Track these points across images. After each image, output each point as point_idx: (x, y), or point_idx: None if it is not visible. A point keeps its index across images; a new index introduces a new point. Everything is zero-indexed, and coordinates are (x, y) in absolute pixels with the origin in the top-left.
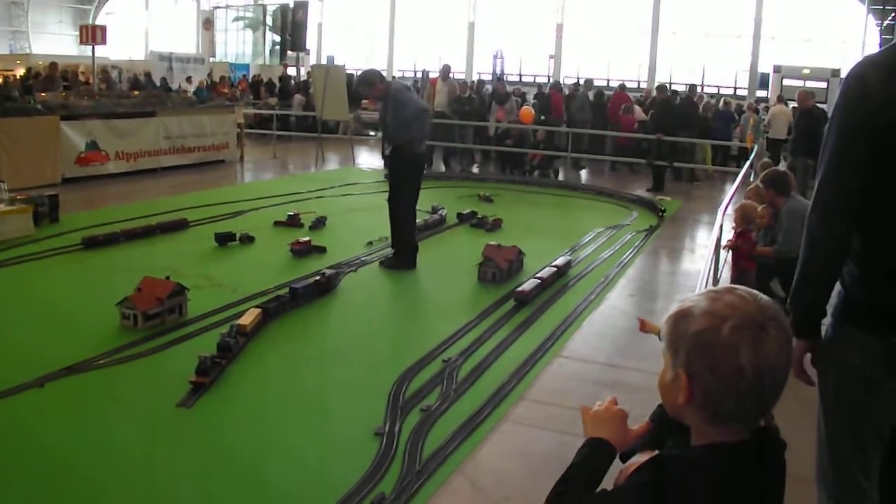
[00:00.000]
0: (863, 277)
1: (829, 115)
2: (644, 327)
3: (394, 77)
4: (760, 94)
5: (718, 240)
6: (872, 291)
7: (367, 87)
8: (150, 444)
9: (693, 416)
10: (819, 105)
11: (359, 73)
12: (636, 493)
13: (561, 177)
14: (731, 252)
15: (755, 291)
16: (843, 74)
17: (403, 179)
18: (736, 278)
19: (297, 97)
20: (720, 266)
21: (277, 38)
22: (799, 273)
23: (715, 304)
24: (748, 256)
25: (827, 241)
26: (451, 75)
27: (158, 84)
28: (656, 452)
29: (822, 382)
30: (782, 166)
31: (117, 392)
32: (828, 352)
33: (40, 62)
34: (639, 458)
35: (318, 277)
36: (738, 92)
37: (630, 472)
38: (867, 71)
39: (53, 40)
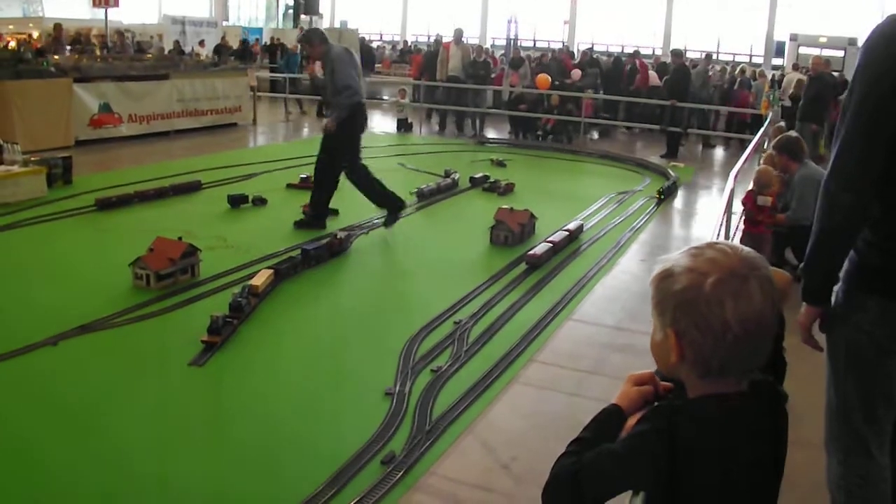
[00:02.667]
0: (882, 243)
1: (852, 78)
2: None
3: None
4: (776, 62)
5: (729, 204)
6: (893, 257)
7: (307, 45)
8: (161, 402)
9: (687, 373)
10: (834, 72)
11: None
12: (651, 439)
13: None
14: (742, 217)
15: (737, 245)
16: (861, 43)
17: (340, 140)
18: (747, 243)
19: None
20: (731, 231)
21: (291, 2)
22: (816, 239)
23: (696, 261)
24: (763, 222)
25: (850, 206)
26: (464, 39)
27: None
28: (656, 404)
29: (833, 348)
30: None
31: (130, 351)
32: (840, 318)
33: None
34: (638, 414)
35: (329, 239)
36: (754, 60)
37: (635, 423)
38: (893, 30)
39: (66, 3)
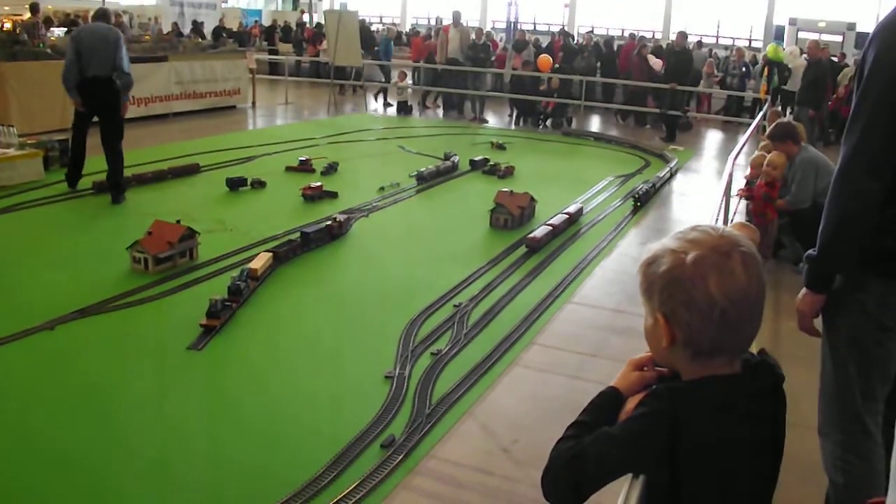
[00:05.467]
0: (888, 226)
1: (868, 67)
2: None
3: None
4: None
5: (728, 188)
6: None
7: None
8: (160, 386)
9: (680, 357)
10: (833, 57)
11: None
12: (650, 422)
13: (574, 125)
14: (749, 202)
15: (720, 226)
16: (859, 28)
17: (75, 114)
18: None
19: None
20: (730, 214)
21: None
22: (837, 226)
23: (679, 242)
24: (769, 206)
25: (877, 192)
26: (463, 22)
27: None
28: (653, 387)
29: (832, 330)
30: (789, 118)
31: (128, 335)
32: (841, 300)
33: (50, 6)
34: (636, 396)
35: (329, 222)
36: (753, 44)
37: (634, 406)
38: None
39: None
